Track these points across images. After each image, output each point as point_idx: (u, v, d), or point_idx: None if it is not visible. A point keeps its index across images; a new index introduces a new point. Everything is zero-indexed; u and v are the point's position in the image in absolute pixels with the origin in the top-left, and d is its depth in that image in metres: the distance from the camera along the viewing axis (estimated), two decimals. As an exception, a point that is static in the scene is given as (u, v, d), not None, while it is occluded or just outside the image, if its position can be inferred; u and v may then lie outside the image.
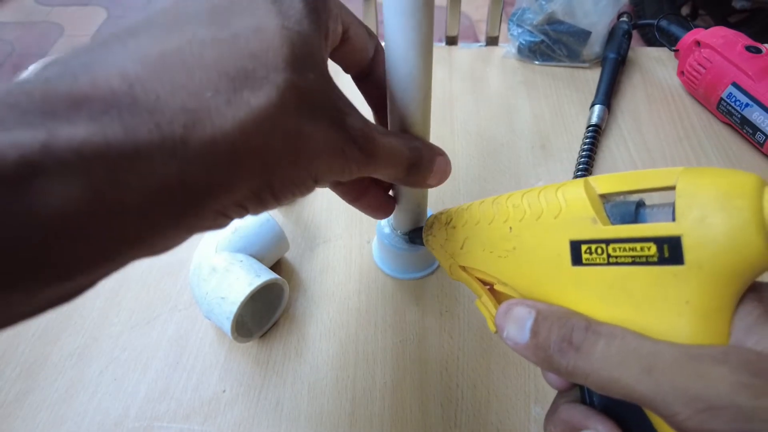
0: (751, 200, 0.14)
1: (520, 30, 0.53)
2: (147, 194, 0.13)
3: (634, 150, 0.45)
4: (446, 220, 0.25)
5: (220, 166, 0.14)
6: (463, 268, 0.24)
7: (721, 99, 0.45)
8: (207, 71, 0.14)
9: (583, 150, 0.43)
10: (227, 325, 0.29)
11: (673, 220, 0.15)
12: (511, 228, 0.20)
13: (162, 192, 0.13)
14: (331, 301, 0.35)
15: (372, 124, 0.19)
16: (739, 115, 0.44)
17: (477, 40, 1.34)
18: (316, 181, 0.18)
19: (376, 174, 0.21)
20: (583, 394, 0.19)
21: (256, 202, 0.16)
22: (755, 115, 0.42)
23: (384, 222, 0.34)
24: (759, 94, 0.42)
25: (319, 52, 0.16)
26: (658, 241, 0.16)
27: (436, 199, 0.41)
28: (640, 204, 0.18)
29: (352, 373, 0.31)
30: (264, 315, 0.33)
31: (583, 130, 0.46)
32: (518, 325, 0.18)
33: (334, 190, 0.25)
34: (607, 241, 0.17)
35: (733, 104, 0.44)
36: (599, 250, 0.17)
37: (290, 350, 0.32)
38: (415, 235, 0.30)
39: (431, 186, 0.24)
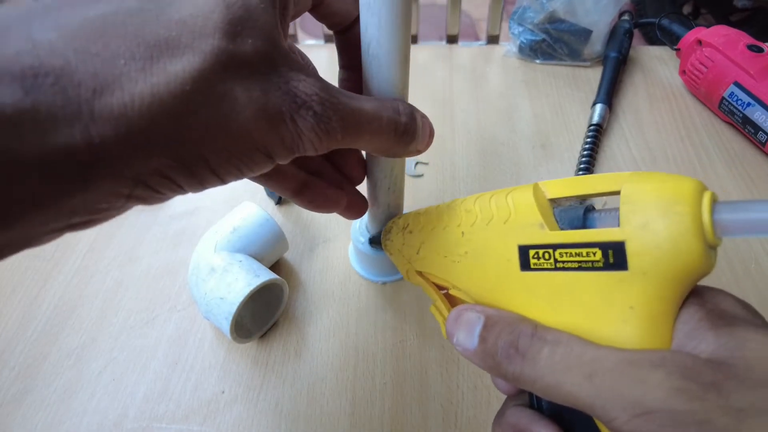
0: (692, 206, 0.14)
1: (520, 29, 0.53)
2: (47, 154, 0.13)
3: (635, 149, 0.44)
4: (403, 225, 0.25)
5: (132, 130, 0.14)
6: (420, 273, 0.24)
7: (723, 98, 0.45)
8: (125, 39, 0.14)
9: (585, 149, 0.43)
10: (226, 326, 0.29)
11: (618, 225, 0.16)
12: (463, 233, 0.20)
13: (65, 153, 0.13)
14: (330, 302, 0.34)
15: (338, 89, 0.18)
16: (740, 115, 0.43)
17: (478, 39, 1.34)
18: (270, 156, 0.17)
19: (359, 144, 0.19)
20: (532, 399, 0.19)
21: (188, 175, 0.16)
22: (757, 115, 0.42)
23: (358, 226, 0.34)
24: (761, 94, 0.42)
25: (264, 17, 0.16)
26: (603, 246, 0.16)
27: (436, 199, 0.41)
28: (589, 209, 0.18)
29: (351, 374, 0.31)
30: (263, 315, 0.33)
31: (585, 130, 0.46)
32: (467, 331, 0.18)
33: (263, 183, 0.24)
34: (554, 246, 0.17)
35: (734, 103, 0.44)
36: (546, 255, 0.17)
37: (290, 351, 0.32)
38: (375, 240, 0.30)
39: (421, 152, 0.22)
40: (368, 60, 0.21)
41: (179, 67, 0.14)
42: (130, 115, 0.14)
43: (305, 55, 0.23)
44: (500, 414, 0.20)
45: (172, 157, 0.15)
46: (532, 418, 0.18)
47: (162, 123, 0.14)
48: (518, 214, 0.18)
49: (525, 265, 0.18)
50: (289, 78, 0.16)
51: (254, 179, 0.23)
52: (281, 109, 0.16)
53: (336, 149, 0.20)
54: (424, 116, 0.22)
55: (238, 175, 0.17)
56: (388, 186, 0.28)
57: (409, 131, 0.21)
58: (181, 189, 0.16)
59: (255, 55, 0.15)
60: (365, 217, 0.33)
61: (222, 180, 0.17)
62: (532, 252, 0.17)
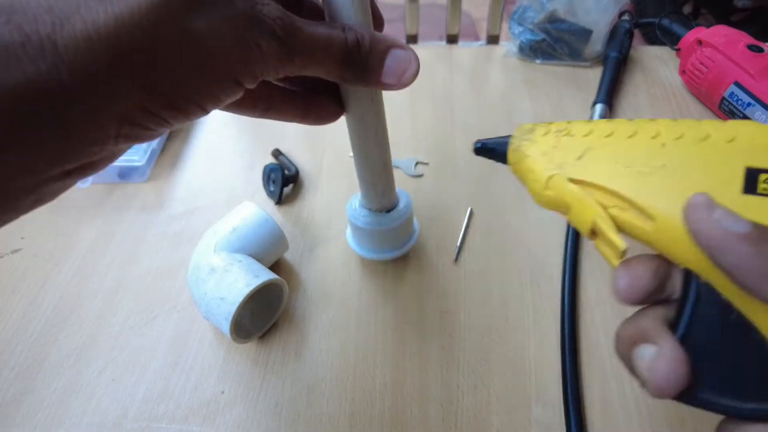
0: None
1: (521, 28, 0.53)
2: (17, 93, 0.13)
3: (635, 149, 0.44)
4: (558, 128, 0.22)
5: (101, 63, 0.14)
6: (575, 182, 0.21)
7: (723, 98, 0.45)
8: None
9: (585, 149, 0.43)
10: (226, 326, 0.29)
11: None
12: (663, 144, 0.19)
13: (35, 91, 0.13)
14: (330, 302, 0.34)
15: (294, 16, 0.18)
16: (741, 114, 0.43)
17: (478, 39, 1.34)
18: (238, 82, 0.17)
19: (309, 70, 0.19)
20: (678, 318, 0.18)
21: (168, 107, 0.16)
22: (757, 114, 0.42)
23: (353, 202, 0.34)
24: (761, 93, 0.42)
25: None
26: None
27: (436, 196, 0.41)
28: None
29: (351, 374, 0.31)
30: (263, 315, 0.33)
31: (585, 130, 0.46)
32: (731, 215, 0.16)
33: (233, 110, 0.23)
34: None
35: (735, 103, 0.44)
36: None
37: (289, 351, 0.32)
38: (488, 147, 0.27)
39: (389, 86, 0.21)
40: None
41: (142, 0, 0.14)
42: (96, 48, 0.13)
43: None
44: (635, 316, 0.19)
45: (148, 89, 0.15)
46: (666, 334, 0.17)
47: (131, 55, 0.14)
48: (749, 137, 0.18)
49: (750, 188, 0.17)
50: (255, 2, 0.16)
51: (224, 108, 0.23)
52: (245, 35, 0.16)
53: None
54: (399, 47, 0.20)
55: (217, 102, 0.17)
56: (373, 137, 0.27)
57: (354, 53, 0.19)
58: (166, 122, 0.16)
59: None
60: (358, 194, 0.33)
61: (203, 109, 0.17)
62: (763, 176, 0.17)
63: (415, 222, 0.36)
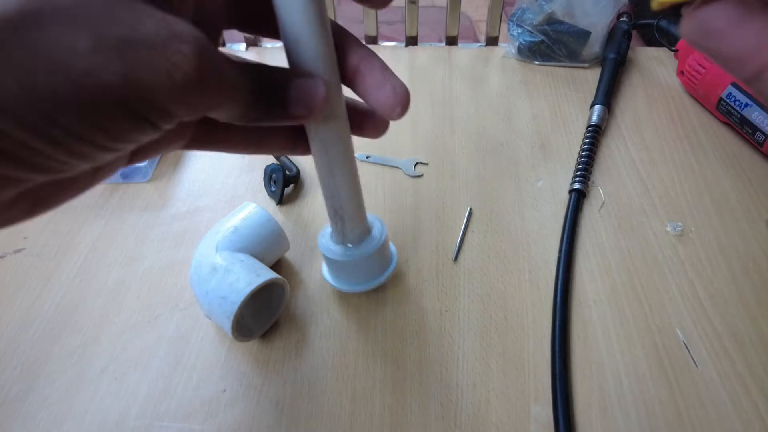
0: None
1: (519, 30, 0.53)
2: None
3: (633, 150, 0.45)
4: None
5: None
6: None
7: (721, 99, 0.45)
8: None
9: (583, 150, 0.43)
10: (227, 325, 0.29)
11: None
12: None
13: None
14: (331, 301, 0.35)
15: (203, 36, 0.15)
16: (738, 115, 0.44)
17: (477, 40, 1.35)
18: (141, 117, 0.14)
19: (211, 110, 0.17)
20: None
21: (51, 144, 0.14)
22: (755, 115, 0.42)
23: (324, 235, 0.32)
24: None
25: None
26: None
27: (436, 196, 0.41)
28: None
29: (352, 373, 0.31)
30: (264, 314, 0.33)
31: (583, 130, 0.46)
32: None
33: (221, 150, 0.22)
34: None
35: (732, 104, 0.44)
36: None
37: (290, 350, 0.32)
38: None
39: (298, 118, 0.20)
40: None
41: None
42: None
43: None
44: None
45: (22, 124, 0.13)
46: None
47: None
48: None
49: None
50: (161, 18, 0.14)
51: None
52: (150, 59, 0.14)
53: None
54: (301, 76, 0.19)
55: (109, 138, 0.15)
56: (322, 179, 0.27)
57: (257, 91, 0.18)
58: (58, 163, 0.14)
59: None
60: (328, 227, 0.32)
61: (95, 145, 0.14)
62: None
63: (392, 247, 0.35)
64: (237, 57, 0.20)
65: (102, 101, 0.13)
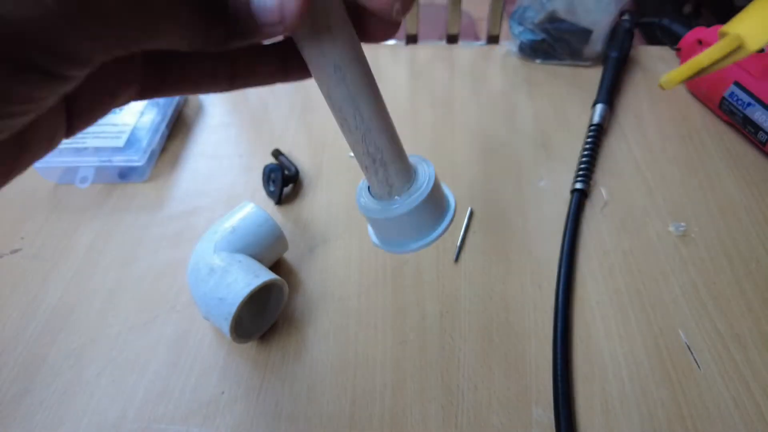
0: None
1: (521, 28, 0.53)
2: None
3: (636, 149, 0.44)
4: None
5: None
6: None
7: (723, 98, 0.45)
8: None
9: (585, 149, 0.43)
10: (226, 326, 0.29)
11: None
12: None
13: None
14: (330, 302, 0.34)
15: None
16: (741, 114, 0.43)
17: (478, 39, 1.34)
18: (37, 68, 0.11)
19: (129, 45, 0.13)
20: None
21: None
22: (757, 114, 0.42)
23: (362, 196, 0.25)
24: (761, 93, 0.42)
25: None
26: None
27: (437, 198, 0.40)
28: None
29: (351, 375, 0.31)
30: (263, 316, 0.33)
31: (585, 129, 0.46)
32: None
33: (186, 91, 0.18)
34: None
35: (735, 103, 0.44)
36: None
37: (289, 351, 0.32)
38: None
39: (272, 30, 0.15)
40: None
41: None
42: None
43: None
44: None
45: None
46: None
47: None
48: None
49: None
50: None
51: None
52: None
53: None
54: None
55: (14, 98, 0.12)
56: (341, 124, 0.21)
57: (212, 15, 0.14)
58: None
59: None
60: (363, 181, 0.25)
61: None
62: None
63: (447, 192, 0.28)
64: None
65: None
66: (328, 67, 0.18)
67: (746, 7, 0.26)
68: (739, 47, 0.26)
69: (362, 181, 0.25)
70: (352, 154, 0.25)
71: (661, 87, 0.25)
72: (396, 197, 0.24)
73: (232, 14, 0.14)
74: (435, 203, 0.26)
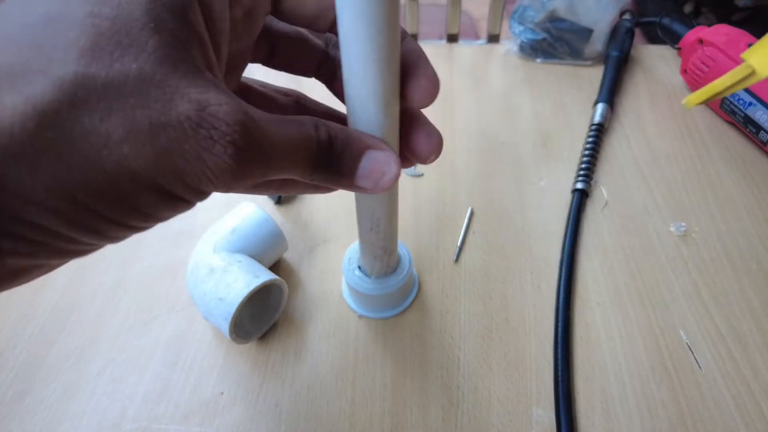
0: None
1: (521, 28, 0.53)
2: None
3: (636, 148, 0.44)
4: None
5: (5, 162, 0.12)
6: None
7: (725, 98, 0.44)
8: None
9: (586, 149, 0.43)
10: (225, 327, 0.29)
11: None
12: None
13: None
14: (330, 302, 0.34)
15: (258, 113, 0.15)
16: (742, 114, 0.43)
17: (478, 38, 1.34)
18: (171, 194, 0.14)
19: (268, 175, 0.16)
20: None
21: (76, 226, 0.13)
22: (759, 114, 0.42)
23: (349, 256, 0.32)
24: (762, 93, 0.42)
25: (142, 34, 0.13)
26: None
27: (436, 196, 0.40)
28: None
29: (351, 375, 0.31)
30: (263, 316, 0.33)
31: (586, 129, 0.46)
32: None
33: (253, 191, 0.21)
34: None
35: (736, 103, 0.43)
36: None
37: (289, 351, 0.32)
38: None
39: (364, 191, 0.18)
40: (348, 81, 0.18)
41: (21, 98, 0.12)
42: None
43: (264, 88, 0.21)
44: None
45: (55, 214, 0.13)
46: None
47: (9, 166, 0.12)
48: None
49: None
50: (205, 103, 0.13)
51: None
52: (180, 143, 0.13)
53: None
54: (378, 148, 0.18)
55: (142, 219, 0.14)
56: (370, 227, 0.26)
57: (324, 154, 0.17)
58: (86, 246, 0.14)
59: (137, 79, 0.13)
60: (355, 249, 0.32)
61: (126, 226, 0.14)
62: None
63: (414, 274, 0.35)
64: (295, 96, 0.20)
65: (134, 188, 0.13)
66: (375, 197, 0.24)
67: (762, 37, 0.31)
68: (752, 74, 0.31)
69: (346, 261, 0.32)
70: None
71: (685, 106, 0.34)
72: (391, 275, 0.31)
73: (335, 167, 0.17)
74: (411, 279, 0.33)
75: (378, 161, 0.18)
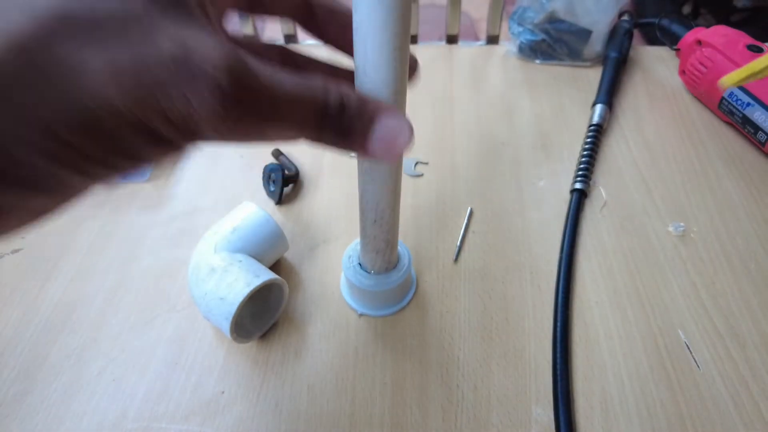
0: None
1: (520, 29, 0.53)
2: None
3: (635, 149, 0.44)
4: None
5: None
6: None
7: (723, 98, 0.45)
8: None
9: (585, 149, 0.43)
10: (226, 326, 0.29)
11: None
12: None
13: None
14: (330, 302, 0.34)
15: (256, 61, 0.14)
16: (740, 115, 0.43)
17: (477, 39, 1.34)
18: (163, 139, 0.14)
19: (270, 132, 0.15)
20: None
21: (75, 159, 0.13)
22: (756, 115, 0.42)
23: (349, 254, 0.32)
24: (760, 94, 0.42)
25: None
26: None
27: (436, 196, 0.41)
28: None
29: (351, 374, 0.31)
30: (263, 315, 0.33)
31: (585, 130, 0.46)
32: None
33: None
34: None
35: (734, 103, 0.44)
36: None
37: (289, 351, 0.32)
38: None
39: (374, 157, 0.18)
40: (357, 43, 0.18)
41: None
42: None
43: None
44: None
45: (26, 144, 0.12)
46: None
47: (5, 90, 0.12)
48: None
49: None
50: (187, 41, 0.13)
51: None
52: (165, 88, 0.13)
53: None
54: (394, 117, 0.17)
55: (128, 158, 0.14)
56: (374, 218, 0.26)
57: (334, 116, 0.16)
58: (62, 182, 0.14)
59: (115, 16, 0.12)
60: (355, 247, 0.32)
61: (109, 166, 0.14)
62: None
63: (412, 272, 0.35)
64: (300, 54, 0.19)
65: (115, 124, 0.13)
66: (379, 175, 0.23)
67: None
68: None
69: (346, 259, 0.32)
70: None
71: (721, 86, 0.35)
72: (391, 271, 0.31)
73: (347, 130, 0.17)
74: (410, 276, 0.33)
75: (392, 126, 0.17)
